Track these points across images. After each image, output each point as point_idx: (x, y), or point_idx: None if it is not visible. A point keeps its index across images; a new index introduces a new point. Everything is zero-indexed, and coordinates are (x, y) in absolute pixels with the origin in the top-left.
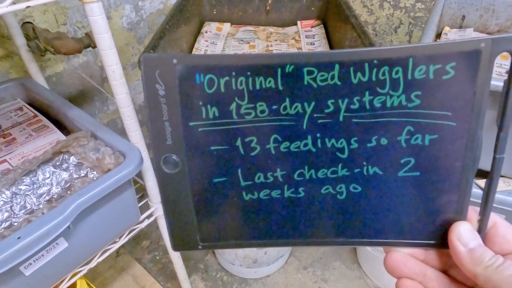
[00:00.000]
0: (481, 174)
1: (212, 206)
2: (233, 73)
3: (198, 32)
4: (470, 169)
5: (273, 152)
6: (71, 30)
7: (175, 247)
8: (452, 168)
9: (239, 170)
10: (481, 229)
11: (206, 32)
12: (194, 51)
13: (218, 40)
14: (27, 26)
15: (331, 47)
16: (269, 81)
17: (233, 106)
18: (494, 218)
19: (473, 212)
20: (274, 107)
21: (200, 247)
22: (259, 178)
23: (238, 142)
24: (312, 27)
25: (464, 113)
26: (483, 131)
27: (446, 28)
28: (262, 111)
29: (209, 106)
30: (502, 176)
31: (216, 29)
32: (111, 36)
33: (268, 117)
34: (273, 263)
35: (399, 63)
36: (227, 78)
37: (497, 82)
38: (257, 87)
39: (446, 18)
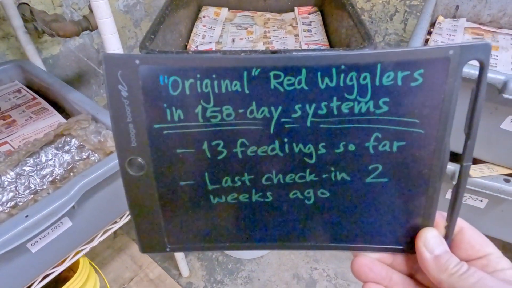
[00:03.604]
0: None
1: (179, 209)
2: (198, 76)
3: (196, 17)
4: (437, 175)
5: (240, 156)
6: (67, 12)
7: (143, 249)
8: (419, 175)
9: (206, 174)
10: (448, 235)
11: (204, 17)
12: (193, 36)
13: (216, 25)
14: (23, 7)
15: (328, 34)
16: (235, 84)
17: (198, 109)
18: (461, 224)
19: (441, 218)
20: (241, 110)
21: (168, 249)
22: (226, 182)
23: (205, 146)
24: (309, 14)
25: (432, 120)
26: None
27: (440, 18)
28: (229, 115)
29: (174, 109)
30: (486, 162)
31: (214, 14)
32: (113, 21)
33: (234, 121)
34: None
35: (367, 69)
36: (192, 80)
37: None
38: (223, 90)
39: (440, 8)
